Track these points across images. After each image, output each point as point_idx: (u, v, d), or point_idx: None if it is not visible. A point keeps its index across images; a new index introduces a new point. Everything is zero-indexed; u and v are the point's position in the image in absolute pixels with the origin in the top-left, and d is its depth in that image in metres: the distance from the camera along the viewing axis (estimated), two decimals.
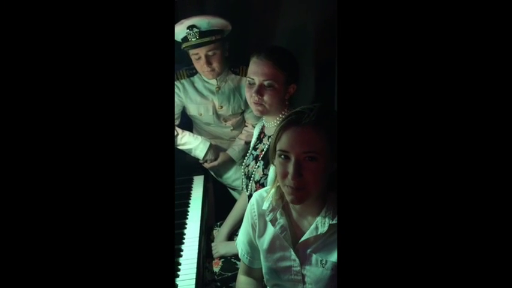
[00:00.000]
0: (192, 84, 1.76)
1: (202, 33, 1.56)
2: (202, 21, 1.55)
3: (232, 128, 1.86)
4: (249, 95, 1.33)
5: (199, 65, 1.64)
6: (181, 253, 1.33)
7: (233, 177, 1.91)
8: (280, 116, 1.34)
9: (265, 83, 1.29)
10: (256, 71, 1.30)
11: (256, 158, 1.43)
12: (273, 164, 1.00)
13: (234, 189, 1.97)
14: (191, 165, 1.90)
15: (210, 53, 1.61)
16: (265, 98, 1.30)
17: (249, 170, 1.45)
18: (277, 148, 0.95)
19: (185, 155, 1.85)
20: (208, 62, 1.62)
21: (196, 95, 1.76)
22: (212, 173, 1.96)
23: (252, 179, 1.42)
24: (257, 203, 1.10)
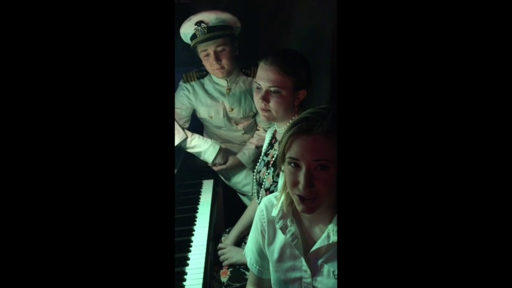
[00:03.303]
0: (202, 86, 1.73)
1: (210, 29, 1.53)
2: (210, 16, 1.53)
3: (243, 131, 1.81)
4: (256, 101, 1.30)
5: (209, 63, 1.60)
6: (188, 262, 1.28)
7: (243, 182, 1.86)
8: (291, 121, 1.28)
9: (272, 89, 1.25)
10: (262, 77, 1.26)
11: (267, 164, 1.38)
12: (282, 171, 0.94)
13: (244, 195, 1.92)
14: (200, 168, 1.87)
15: (219, 49, 1.57)
16: (271, 104, 1.26)
17: (260, 177, 1.40)
18: (287, 156, 0.90)
19: (194, 158, 1.81)
20: (218, 59, 1.58)
21: (206, 97, 1.72)
22: (222, 177, 1.91)
23: (263, 186, 1.36)
24: (266, 209, 1.05)
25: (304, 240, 0.98)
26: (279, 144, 1.24)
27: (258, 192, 1.41)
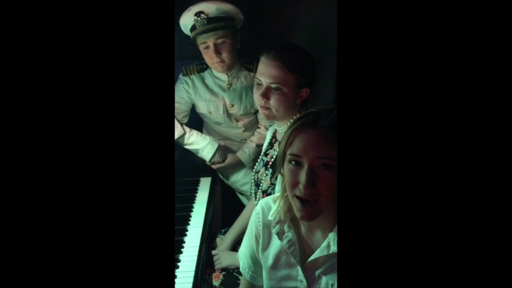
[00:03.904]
0: (202, 80, 1.67)
1: (210, 20, 1.47)
2: (210, 7, 1.47)
3: (243, 128, 1.76)
4: (256, 97, 1.23)
5: (208, 56, 1.54)
6: (178, 264, 1.22)
7: (242, 181, 1.80)
8: (292, 120, 1.22)
9: (273, 86, 1.18)
10: (263, 72, 1.19)
11: (266, 165, 1.32)
12: (281, 174, 0.87)
13: (242, 194, 1.87)
14: (198, 165, 1.81)
15: (219, 41, 1.51)
16: (272, 102, 1.19)
17: (258, 177, 1.33)
18: (288, 153, 0.84)
19: (192, 154, 1.75)
20: (217, 52, 1.51)
21: (206, 92, 1.66)
22: (220, 175, 1.85)
23: (260, 187, 1.29)
24: (263, 211, 0.98)
25: (302, 248, 0.92)
26: (280, 143, 1.17)
27: (255, 193, 1.35)
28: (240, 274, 1.32)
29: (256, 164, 1.39)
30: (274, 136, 1.36)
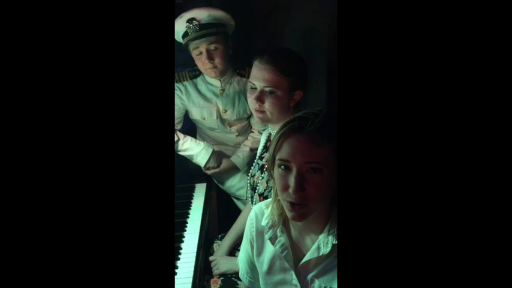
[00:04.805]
0: (195, 86, 1.67)
1: (202, 26, 1.48)
2: (202, 14, 1.48)
3: (237, 133, 1.76)
4: (250, 101, 1.24)
5: (201, 62, 1.55)
6: (176, 270, 1.21)
7: (237, 185, 1.80)
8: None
9: (267, 89, 1.19)
10: (257, 76, 1.20)
11: (261, 168, 1.32)
12: (272, 177, 0.88)
13: (238, 199, 1.86)
14: (193, 171, 1.80)
15: (211, 47, 1.52)
16: (266, 105, 1.20)
17: (254, 181, 1.33)
18: (277, 158, 0.84)
19: (187, 160, 1.75)
20: (210, 58, 1.52)
21: (199, 98, 1.67)
22: (215, 181, 1.85)
23: (256, 190, 1.30)
24: (256, 217, 0.99)
25: (295, 252, 0.92)
26: (270, 146, 1.18)
27: (252, 197, 1.35)
28: (238, 279, 1.33)
29: (252, 168, 1.40)
30: (268, 139, 1.37)
